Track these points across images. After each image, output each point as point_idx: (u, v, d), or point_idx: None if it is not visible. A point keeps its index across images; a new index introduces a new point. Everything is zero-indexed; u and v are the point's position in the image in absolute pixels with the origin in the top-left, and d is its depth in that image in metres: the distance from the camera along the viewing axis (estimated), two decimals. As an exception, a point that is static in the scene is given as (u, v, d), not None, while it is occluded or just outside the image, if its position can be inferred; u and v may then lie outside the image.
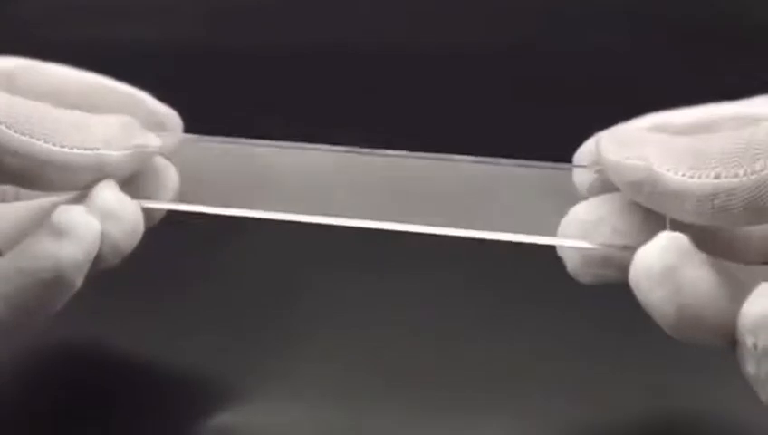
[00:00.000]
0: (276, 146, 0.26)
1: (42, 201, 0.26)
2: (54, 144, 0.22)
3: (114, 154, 0.23)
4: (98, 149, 0.23)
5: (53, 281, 0.23)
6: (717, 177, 0.21)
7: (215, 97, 0.31)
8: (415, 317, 0.30)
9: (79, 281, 0.23)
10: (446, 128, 0.38)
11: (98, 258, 0.23)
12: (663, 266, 0.22)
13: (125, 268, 0.29)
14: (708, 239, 0.24)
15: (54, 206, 0.24)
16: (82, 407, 0.28)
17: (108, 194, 0.24)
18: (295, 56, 0.41)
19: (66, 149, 0.23)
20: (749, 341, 0.21)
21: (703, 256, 0.22)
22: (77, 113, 0.24)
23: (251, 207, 0.25)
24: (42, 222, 0.23)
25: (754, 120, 0.22)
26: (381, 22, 0.42)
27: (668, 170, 0.21)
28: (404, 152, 0.25)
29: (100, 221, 0.23)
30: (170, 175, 0.25)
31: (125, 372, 0.29)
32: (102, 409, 0.28)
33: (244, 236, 0.34)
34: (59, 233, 0.23)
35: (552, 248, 0.24)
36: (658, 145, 0.22)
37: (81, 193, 0.24)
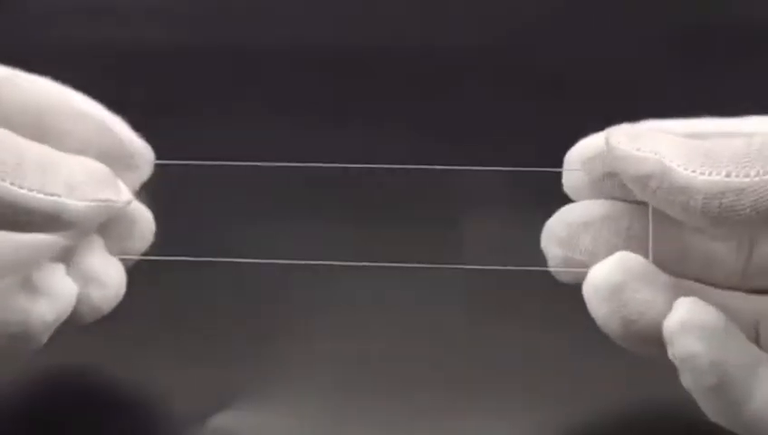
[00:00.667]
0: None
1: (31, 241, 0.24)
2: (12, 183, 0.21)
3: (75, 204, 0.22)
4: (59, 196, 0.21)
5: (19, 336, 0.22)
6: (728, 175, 0.20)
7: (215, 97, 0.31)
8: (412, 320, 0.30)
9: (44, 339, 0.23)
10: (444, 127, 0.38)
11: (75, 317, 0.23)
12: (610, 284, 0.23)
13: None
14: (688, 260, 0.24)
15: (37, 254, 0.23)
16: (83, 406, 0.28)
17: (93, 259, 0.24)
18: (294, 54, 0.41)
19: (24, 191, 0.21)
20: (669, 352, 0.22)
21: (657, 274, 0.23)
22: (45, 149, 0.22)
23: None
24: (22, 267, 0.23)
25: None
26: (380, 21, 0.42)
27: (679, 165, 0.21)
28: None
29: (81, 285, 0.23)
30: (146, 222, 0.25)
31: (124, 372, 0.29)
32: (101, 409, 0.28)
33: (241, 238, 0.34)
34: (34, 290, 0.22)
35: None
36: (671, 142, 0.22)
37: (67, 247, 0.23)
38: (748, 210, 0.20)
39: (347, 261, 0.28)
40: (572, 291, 0.24)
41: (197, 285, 0.32)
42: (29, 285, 0.22)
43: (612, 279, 0.23)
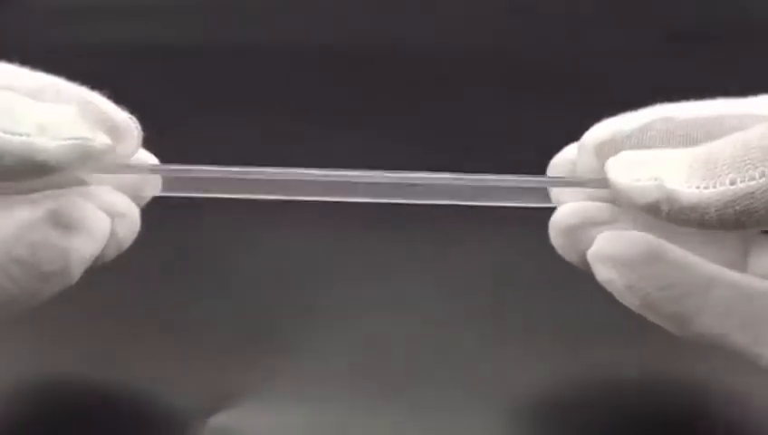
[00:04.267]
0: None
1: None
2: None
3: (46, 143, 0.20)
4: (28, 135, 0.20)
5: (57, 273, 0.22)
6: (733, 183, 0.20)
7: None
8: (413, 318, 0.30)
9: (78, 276, 0.22)
10: (443, 127, 0.39)
11: (100, 256, 0.23)
12: (570, 225, 0.24)
13: (119, 267, 0.29)
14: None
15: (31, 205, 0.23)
16: (83, 406, 0.28)
17: (109, 195, 0.23)
18: (295, 53, 0.41)
19: None
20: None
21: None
22: (13, 94, 0.21)
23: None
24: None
25: (759, 119, 0.22)
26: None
27: (682, 185, 0.21)
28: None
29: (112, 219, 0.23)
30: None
31: (124, 372, 0.29)
32: (101, 408, 0.28)
33: (241, 237, 0.34)
34: (70, 227, 0.22)
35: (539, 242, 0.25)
36: (666, 161, 0.22)
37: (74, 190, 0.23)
38: (763, 211, 0.20)
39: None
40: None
41: (197, 285, 0.32)
42: (64, 222, 0.22)
43: (570, 221, 0.24)
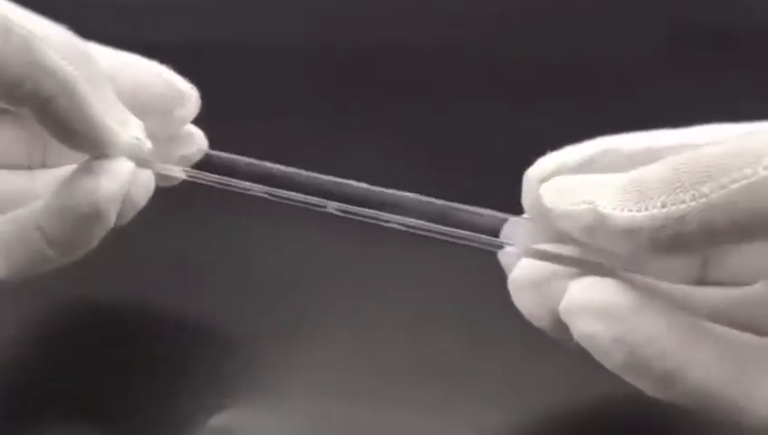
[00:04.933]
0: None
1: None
2: (87, 91, 0.23)
3: (119, 134, 0.25)
4: (113, 127, 0.25)
5: (91, 215, 0.25)
6: (664, 205, 0.20)
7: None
8: (410, 320, 0.30)
9: (113, 216, 0.25)
10: (442, 126, 0.38)
11: (120, 214, 0.26)
12: (535, 279, 0.23)
13: (120, 269, 0.29)
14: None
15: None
16: (85, 406, 0.28)
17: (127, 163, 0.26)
18: (302, 53, 0.41)
19: (95, 103, 0.24)
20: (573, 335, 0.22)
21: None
22: (107, 90, 0.25)
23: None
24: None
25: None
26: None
27: (614, 209, 0.21)
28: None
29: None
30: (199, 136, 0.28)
31: (124, 372, 0.29)
32: (101, 408, 0.28)
33: (242, 234, 0.34)
34: (98, 172, 0.25)
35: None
36: (600, 185, 0.22)
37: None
38: (695, 235, 0.20)
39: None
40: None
41: (198, 285, 0.32)
42: (92, 169, 0.25)
43: (537, 275, 0.23)
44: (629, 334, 0.21)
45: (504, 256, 0.25)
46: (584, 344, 0.21)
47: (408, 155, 0.35)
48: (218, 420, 0.27)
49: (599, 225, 0.21)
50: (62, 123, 0.24)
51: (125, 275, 0.32)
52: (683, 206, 0.20)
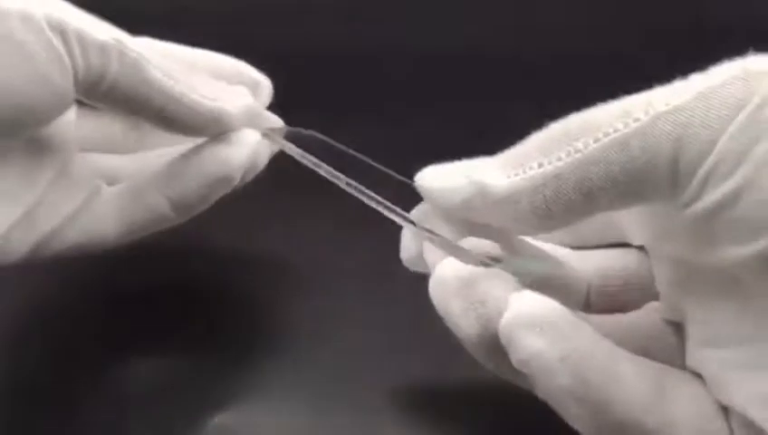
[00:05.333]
0: None
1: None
2: (189, 90, 0.26)
3: (230, 108, 0.27)
4: (220, 101, 0.27)
5: (223, 178, 0.27)
6: (541, 165, 0.20)
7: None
8: (407, 323, 0.30)
9: (238, 179, 0.28)
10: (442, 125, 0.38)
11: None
12: (462, 277, 0.21)
13: (125, 263, 0.29)
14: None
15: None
16: (86, 407, 0.28)
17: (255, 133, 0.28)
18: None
19: (196, 96, 0.26)
20: (512, 357, 0.20)
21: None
22: (203, 75, 0.27)
23: None
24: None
25: None
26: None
27: (492, 177, 0.21)
28: None
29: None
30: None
31: (125, 371, 0.29)
32: (102, 408, 0.28)
33: (243, 244, 0.34)
34: (229, 142, 0.27)
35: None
36: (479, 162, 0.21)
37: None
38: (572, 193, 0.20)
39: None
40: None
41: (199, 286, 0.32)
42: (225, 140, 0.27)
43: (462, 273, 0.21)
44: (575, 354, 0.20)
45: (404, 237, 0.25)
46: (526, 364, 0.20)
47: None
48: (218, 419, 0.27)
49: (478, 195, 0.21)
50: (179, 124, 0.26)
51: (129, 269, 0.32)
52: (559, 163, 0.20)
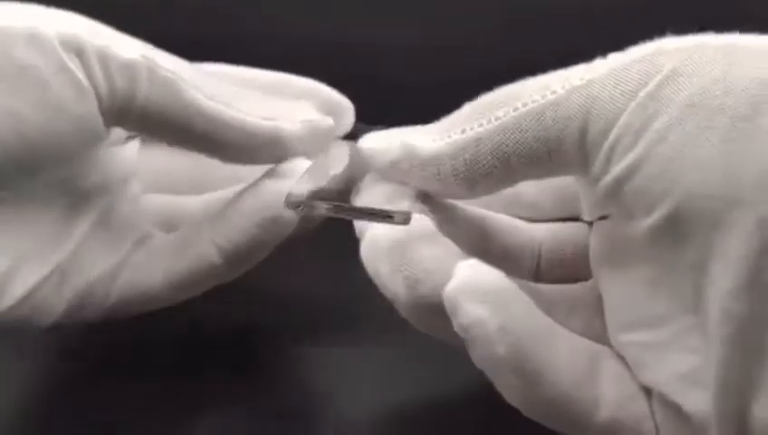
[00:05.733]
0: None
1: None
2: (238, 110, 0.23)
3: (290, 127, 0.24)
4: (275, 120, 0.24)
5: (274, 218, 0.24)
6: (464, 131, 0.21)
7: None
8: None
9: (296, 221, 0.24)
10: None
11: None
12: (390, 239, 0.21)
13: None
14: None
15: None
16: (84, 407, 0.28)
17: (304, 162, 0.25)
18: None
19: (248, 117, 0.23)
20: (454, 323, 0.20)
21: (442, 237, 0.22)
22: (255, 91, 0.25)
23: None
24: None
25: None
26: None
27: (420, 140, 0.22)
28: None
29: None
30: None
31: (124, 373, 0.29)
32: (100, 408, 0.28)
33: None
34: (282, 175, 0.24)
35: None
36: (410, 128, 0.23)
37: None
38: (490, 158, 0.21)
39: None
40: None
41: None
42: (277, 173, 0.25)
43: (393, 235, 0.21)
44: (512, 322, 0.20)
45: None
46: (467, 330, 0.20)
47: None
48: (218, 419, 0.27)
49: (406, 157, 0.22)
50: (230, 149, 0.24)
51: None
52: (480, 129, 0.21)
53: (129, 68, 0.22)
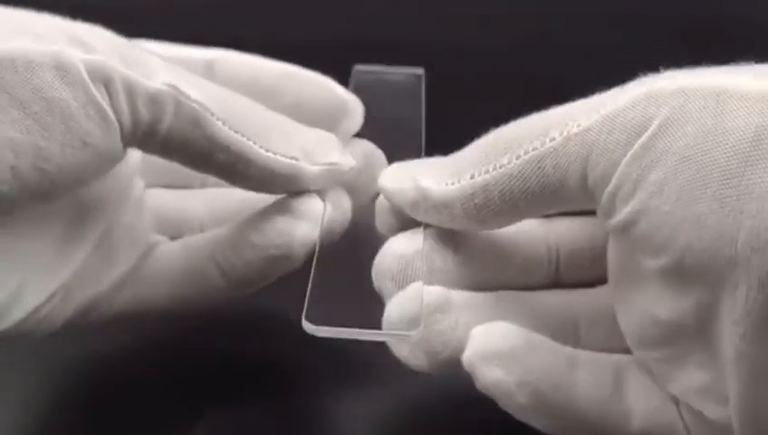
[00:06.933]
0: None
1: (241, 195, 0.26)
2: (261, 147, 0.23)
3: (310, 168, 0.24)
4: (297, 159, 0.24)
5: (282, 257, 0.24)
6: (472, 177, 0.22)
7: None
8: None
9: (303, 258, 0.24)
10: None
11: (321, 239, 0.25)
12: (406, 320, 0.22)
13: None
14: (507, 268, 0.25)
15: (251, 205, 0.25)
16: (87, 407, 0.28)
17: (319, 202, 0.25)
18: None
19: (271, 154, 0.23)
20: (477, 384, 0.23)
21: (452, 301, 0.23)
22: (282, 118, 0.24)
23: None
24: (239, 215, 0.25)
25: None
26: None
27: (433, 183, 0.23)
28: None
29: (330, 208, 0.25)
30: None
31: (125, 371, 0.29)
32: (103, 408, 0.28)
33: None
34: (295, 214, 0.24)
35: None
36: (426, 165, 0.24)
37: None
38: (498, 202, 0.22)
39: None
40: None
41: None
42: (289, 210, 0.24)
43: (408, 314, 0.22)
44: (527, 375, 0.22)
45: None
46: (488, 390, 0.22)
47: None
48: (219, 418, 0.27)
49: (421, 199, 0.23)
50: (250, 183, 0.24)
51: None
52: (487, 176, 0.22)
53: (155, 99, 0.21)
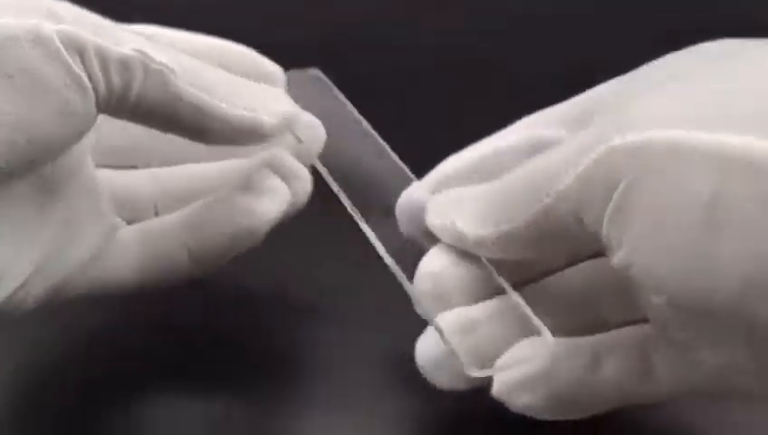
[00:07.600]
0: None
1: (217, 165, 0.29)
2: (225, 103, 0.24)
3: (268, 120, 0.25)
4: (256, 111, 0.25)
5: (244, 234, 0.26)
6: (496, 224, 0.24)
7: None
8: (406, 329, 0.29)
9: (263, 235, 0.26)
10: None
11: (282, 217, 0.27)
12: (436, 356, 0.25)
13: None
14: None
15: (230, 172, 0.28)
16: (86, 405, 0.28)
17: (291, 159, 0.27)
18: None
19: (232, 109, 0.24)
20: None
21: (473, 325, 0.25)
22: (237, 78, 0.26)
23: None
24: (216, 187, 0.27)
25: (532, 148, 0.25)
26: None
27: (465, 226, 0.24)
28: None
29: (289, 184, 0.27)
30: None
31: (125, 372, 0.29)
32: (103, 408, 0.28)
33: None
34: (257, 192, 0.26)
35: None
36: (465, 201, 0.25)
37: (256, 160, 0.27)
38: (525, 244, 0.24)
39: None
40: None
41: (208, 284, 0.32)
42: (251, 187, 0.26)
43: (434, 352, 0.25)
44: (559, 390, 0.24)
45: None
46: (523, 412, 0.24)
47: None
48: (221, 417, 0.28)
49: (458, 240, 0.25)
50: (213, 137, 0.25)
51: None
52: (505, 227, 0.23)
53: (125, 65, 0.22)
